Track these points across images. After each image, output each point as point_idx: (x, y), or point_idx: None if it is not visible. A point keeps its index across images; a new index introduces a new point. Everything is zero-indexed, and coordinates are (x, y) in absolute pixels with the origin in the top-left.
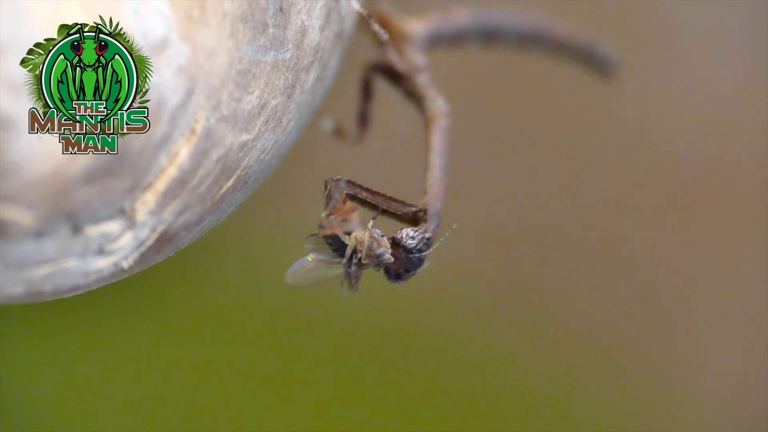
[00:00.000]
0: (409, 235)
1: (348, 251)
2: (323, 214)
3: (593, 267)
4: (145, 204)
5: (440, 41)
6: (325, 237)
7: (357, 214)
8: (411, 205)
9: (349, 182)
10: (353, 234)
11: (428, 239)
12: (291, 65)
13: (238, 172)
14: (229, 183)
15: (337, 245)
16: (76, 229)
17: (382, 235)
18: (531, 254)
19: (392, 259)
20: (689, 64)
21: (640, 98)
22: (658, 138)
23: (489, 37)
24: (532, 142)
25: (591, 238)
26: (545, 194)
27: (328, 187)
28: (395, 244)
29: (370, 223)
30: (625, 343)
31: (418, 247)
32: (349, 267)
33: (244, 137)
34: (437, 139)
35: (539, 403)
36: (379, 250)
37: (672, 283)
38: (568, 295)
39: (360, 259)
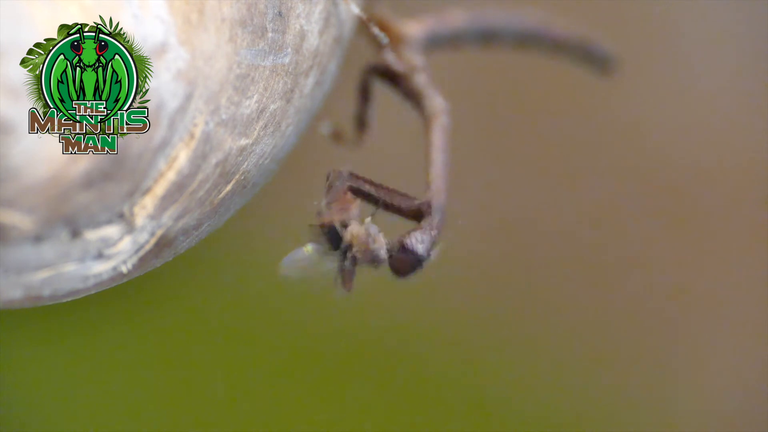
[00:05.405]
0: (417, 239)
1: (343, 245)
2: (322, 202)
3: (592, 265)
4: (144, 208)
5: (438, 43)
6: (322, 228)
7: (357, 204)
8: (414, 199)
9: (353, 174)
10: (349, 228)
11: (434, 238)
12: (290, 69)
13: (236, 176)
14: (228, 187)
15: (332, 238)
16: (75, 233)
17: (379, 232)
18: (530, 252)
19: (387, 257)
20: (689, 63)
21: (640, 97)
22: (658, 136)
23: (486, 37)
24: (530, 141)
25: (590, 236)
26: (543, 193)
27: (330, 177)
28: (404, 250)
29: (368, 219)
30: (625, 342)
31: (428, 248)
32: (344, 262)
33: (243, 142)
34: (438, 136)
35: (539, 402)
36: (374, 246)
37: (672, 282)
38: (568, 293)
39: (354, 255)
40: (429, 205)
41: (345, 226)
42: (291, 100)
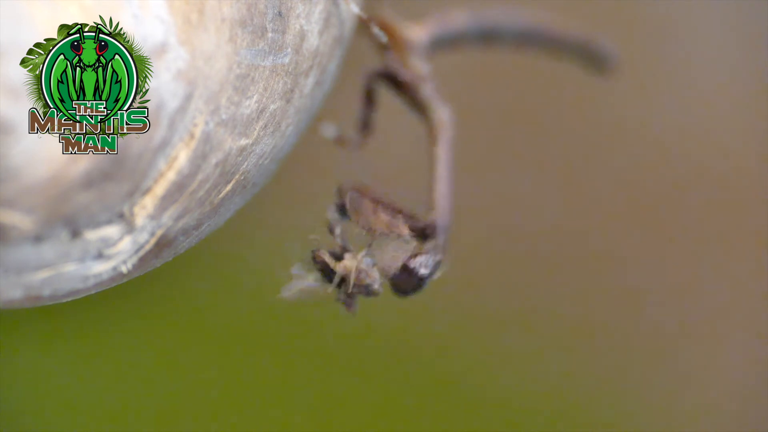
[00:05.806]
0: (422, 263)
1: (335, 280)
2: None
3: (593, 265)
4: (144, 208)
5: (441, 45)
6: (314, 262)
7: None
8: (419, 220)
9: (359, 189)
10: (342, 263)
11: (438, 262)
12: (290, 70)
13: (236, 176)
14: (228, 187)
15: (325, 272)
16: (75, 233)
17: (374, 265)
18: (531, 252)
19: (381, 291)
20: (689, 63)
21: (640, 97)
22: (658, 136)
23: (487, 38)
24: (530, 141)
25: (590, 235)
26: (542, 193)
27: (348, 196)
28: (407, 271)
29: (363, 252)
30: (626, 342)
31: (431, 272)
32: (339, 294)
33: (243, 142)
34: (444, 152)
35: (539, 404)
36: (368, 280)
37: (673, 281)
38: (569, 296)
39: (349, 288)
40: (434, 227)
41: (339, 259)
42: (291, 100)
